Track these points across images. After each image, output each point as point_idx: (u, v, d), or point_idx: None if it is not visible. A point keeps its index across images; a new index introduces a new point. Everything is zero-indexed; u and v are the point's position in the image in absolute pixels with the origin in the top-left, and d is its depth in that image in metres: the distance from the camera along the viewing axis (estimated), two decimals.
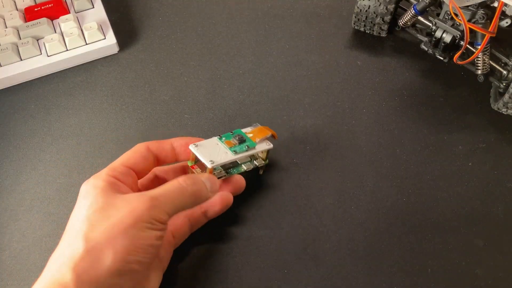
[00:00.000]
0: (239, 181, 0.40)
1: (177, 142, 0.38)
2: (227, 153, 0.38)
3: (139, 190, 0.36)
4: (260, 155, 0.42)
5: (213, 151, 0.37)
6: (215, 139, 0.39)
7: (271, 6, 0.59)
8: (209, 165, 0.36)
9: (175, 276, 0.40)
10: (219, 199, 0.38)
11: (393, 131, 0.48)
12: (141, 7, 0.59)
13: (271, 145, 0.41)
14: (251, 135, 0.41)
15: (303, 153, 0.47)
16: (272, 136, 0.42)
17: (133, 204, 0.30)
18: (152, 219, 0.30)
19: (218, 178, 0.38)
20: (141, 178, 0.37)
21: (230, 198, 0.39)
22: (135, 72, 0.54)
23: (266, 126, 0.43)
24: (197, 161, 0.39)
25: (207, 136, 0.47)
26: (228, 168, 0.40)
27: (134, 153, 0.36)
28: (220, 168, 0.39)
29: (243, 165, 0.41)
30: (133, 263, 0.29)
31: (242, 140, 0.39)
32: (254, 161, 0.42)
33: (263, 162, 0.42)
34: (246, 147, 0.39)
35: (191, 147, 0.37)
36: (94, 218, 0.30)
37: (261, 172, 0.43)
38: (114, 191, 0.32)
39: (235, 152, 0.38)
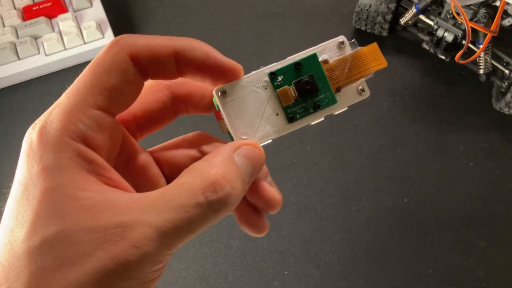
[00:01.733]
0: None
1: (185, 55, 0.21)
2: (275, 119, 0.22)
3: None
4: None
5: (251, 110, 0.21)
6: (262, 74, 0.23)
7: (271, 5, 0.58)
8: (238, 141, 0.21)
9: (174, 276, 0.40)
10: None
11: (394, 131, 0.48)
12: (140, 6, 0.59)
13: (366, 93, 0.24)
14: (336, 73, 0.22)
15: (303, 153, 0.46)
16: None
17: (101, 235, 0.16)
18: (127, 272, 0.16)
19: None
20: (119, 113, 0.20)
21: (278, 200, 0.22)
22: None
23: (371, 47, 0.23)
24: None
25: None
26: None
27: (107, 73, 0.18)
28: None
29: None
30: None
31: (311, 89, 0.21)
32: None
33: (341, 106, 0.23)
34: (316, 106, 0.22)
35: (216, 94, 0.21)
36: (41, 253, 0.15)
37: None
38: (77, 180, 0.17)
39: (292, 120, 0.22)
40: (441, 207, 0.43)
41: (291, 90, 0.21)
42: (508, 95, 0.45)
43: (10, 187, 0.49)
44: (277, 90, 0.21)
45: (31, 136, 0.18)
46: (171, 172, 0.22)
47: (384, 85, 0.51)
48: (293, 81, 0.21)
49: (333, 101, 0.22)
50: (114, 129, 0.19)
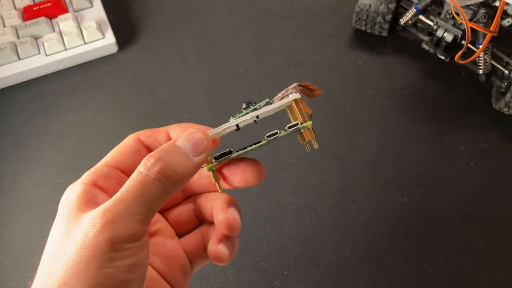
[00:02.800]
0: (253, 166, 0.27)
1: (173, 131, 0.28)
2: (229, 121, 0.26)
3: None
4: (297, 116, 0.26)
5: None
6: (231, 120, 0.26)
7: (271, 5, 0.58)
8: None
9: None
10: (223, 224, 0.27)
11: (394, 131, 0.48)
12: (141, 6, 0.59)
13: (297, 94, 0.26)
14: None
15: (303, 153, 0.46)
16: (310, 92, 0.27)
17: (84, 229, 0.21)
18: (114, 244, 0.20)
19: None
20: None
21: (233, 221, 0.27)
22: (134, 72, 0.53)
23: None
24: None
25: None
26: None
27: (121, 148, 0.27)
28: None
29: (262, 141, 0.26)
30: None
31: (250, 103, 0.27)
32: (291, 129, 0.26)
33: (304, 122, 0.26)
34: (255, 105, 0.27)
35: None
36: (51, 258, 0.22)
37: (310, 141, 0.27)
38: (83, 206, 0.23)
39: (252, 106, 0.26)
40: (441, 207, 0.43)
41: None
42: (508, 95, 0.45)
43: (8, 187, 0.48)
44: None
45: (68, 192, 0.24)
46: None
47: (384, 85, 0.51)
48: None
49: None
50: (120, 176, 0.26)
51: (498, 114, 0.49)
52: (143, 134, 0.28)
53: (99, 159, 0.48)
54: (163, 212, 0.29)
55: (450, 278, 0.40)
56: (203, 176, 0.29)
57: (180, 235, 0.29)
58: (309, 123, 0.25)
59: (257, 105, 0.26)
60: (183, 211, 0.29)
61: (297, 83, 0.27)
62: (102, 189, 0.25)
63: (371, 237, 0.42)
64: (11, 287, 0.41)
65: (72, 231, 0.22)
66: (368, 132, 0.48)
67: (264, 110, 0.26)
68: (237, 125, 0.25)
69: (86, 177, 0.25)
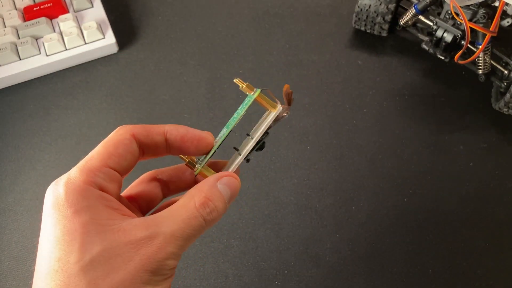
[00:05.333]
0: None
1: (171, 133, 0.27)
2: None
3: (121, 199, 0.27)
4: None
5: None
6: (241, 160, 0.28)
7: (271, 5, 0.58)
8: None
9: (175, 276, 0.40)
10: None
11: (394, 131, 0.48)
12: (141, 6, 0.59)
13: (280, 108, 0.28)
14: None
15: (303, 153, 0.47)
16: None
17: (135, 246, 0.21)
18: (149, 272, 0.21)
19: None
20: (124, 177, 0.27)
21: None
22: (134, 72, 0.53)
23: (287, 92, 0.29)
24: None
25: None
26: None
27: (115, 146, 0.26)
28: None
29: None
30: None
31: (262, 146, 0.29)
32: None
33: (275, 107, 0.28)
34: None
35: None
36: (69, 268, 0.21)
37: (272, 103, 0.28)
38: (104, 213, 0.23)
39: (247, 161, 0.28)
40: (441, 207, 0.43)
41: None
42: (507, 95, 0.45)
43: (9, 187, 0.48)
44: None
45: (57, 189, 0.24)
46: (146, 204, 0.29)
47: (384, 85, 0.51)
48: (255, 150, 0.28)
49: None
50: (120, 181, 0.26)
51: (498, 114, 0.49)
52: (138, 133, 0.27)
53: None
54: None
55: (450, 278, 0.40)
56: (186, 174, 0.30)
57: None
58: (257, 92, 0.27)
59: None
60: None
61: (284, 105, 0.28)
62: (110, 193, 0.25)
63: (371, 237, 0.42)
64: (11, 287, 0.41)
65: (105, 236, 0.22)
66: (367, 132, 0.48)
67: (258, 131, 0.28)
68: (246, 159, 0.28)
69: (87, 177, 0.24)
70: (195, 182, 0.28)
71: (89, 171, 0.24)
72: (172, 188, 0.30)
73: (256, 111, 0.29)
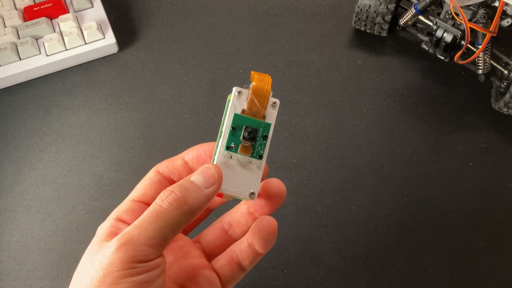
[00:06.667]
0: (277, 186, 0.30)
1: (188, 156, 0.30)
2: (253, 165, 0.28)
3: None
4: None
5: (236, 175, 0.28)
6: (223, 153, 0.28)
7: (271, 5, 0.59)
8: (251, 199, 0.28)
9: None
10: (259, 228, 0.29)
11: (394, 131, 0.48)
12: (141, 6, 0.59)
13: (278, 102, 0.29)
14: (253, 108, 0.28)
15: (303, 153, 0.47)
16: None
17: (102, 253, 0.24)
18: (126, 262, 0.23)
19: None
20: None
21: (271, 225, 0.29)
22: (134, 72, 0.53)
23: (258, 79, 0.29)
24: None
25: (207, 136, 0.47)
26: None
27: (143, 182, 0.30)
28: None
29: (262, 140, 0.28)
30: None
31: (253, 132, 0.28)
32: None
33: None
34: (264, 137, 0.28)
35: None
36: (75, 283, 0.25)
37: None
38: (107, 237, 0.26)
39: (260, 157, 0.28)
40: (441, 207, 0.43)
41: (244, 144, 0.28)
42: (507, 95, 0.45)
43: (9, 187, 0.48)
44: (238, 151, 0.28)
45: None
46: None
47: (384, 85, 0.51)
48: (241, 138, 0.28)
49: (268, 126, 0.28)
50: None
51: (498, 114, 0.49)
52: (161, 166, 0.30)
53: (99, 159, 0.48)
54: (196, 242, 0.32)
55: (450, 277, 0.40)
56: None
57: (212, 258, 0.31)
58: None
59: (260, 137, 0.28)
60: (212, 230, 0.32)
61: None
62: (126, 222, 0.28)
63: (371, 236, 0.42)
64: (12, 287, 0.41)
65: (94, 257, 0.25)
66: (367, 132, 0.48)
67: (268, 146, 0.29)
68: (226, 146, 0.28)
69: (113, 213, 0.28)
70: (189, 170, 0.31)
71: (119, 207, 0.29)
72: (174, 179, 0.31)
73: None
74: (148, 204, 0.28)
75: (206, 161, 0.30)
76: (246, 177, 0.28)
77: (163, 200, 0.25)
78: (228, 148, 0.27)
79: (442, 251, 0.41)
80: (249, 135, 0.27)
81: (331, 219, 0.43)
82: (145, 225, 0.24)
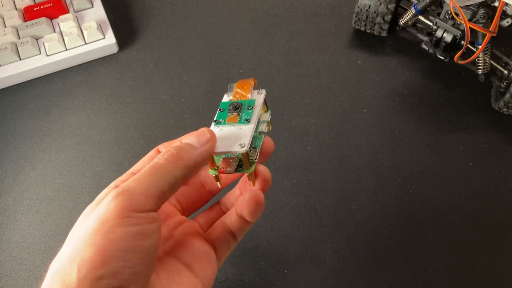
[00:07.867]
0: (264, 172, 0.31)
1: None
2: (242, 127, 0.30)
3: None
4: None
5: (227, 137, 0.30)
6: (213, 127, 0.31)
7: (271, 5, 0.59)
8: (242, 150, 0.28)
9: None
10: (247, 199, 0.29)
11: (394, 131, 0.48)
12: (141, 7, 0.59)
13: (264, 91, 0.32)
14: (237, 96, 0.32)
15: (303, 153, 0.47)
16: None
17: (100, 204, 0.24)
18: (122, 210, 0.23)
19: (255, 159, 0.30)
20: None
21: (257, 195, 0.30)
22: (134, 72, 0.53)
23: (240, 80, 0.34)
24: (219, 159, 0.31)
25: None
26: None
27: (143, 159, 0.31)
28: (251, 146, 0.30)
29: (258, 128, 0.31)
30: (108, 278, 0.22)
31: (237, 106, 0.31)
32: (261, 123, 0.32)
33: (267, 114, 0.33)
34: (249, 107, 0.31)
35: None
36: (71, 234, 0.25)
37: (269, 128, 0.33)
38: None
39: (247, 121, 0.30)
40: (441, 207, 0.43)
41: (231, 115, 0.31)
42: (507, 95, 0.45)
43: (9, 187, 0.48)
44: (226, 122, 0.31)
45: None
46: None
47: (383, 85, 0.51)
48: (228, 113, 0.31)
49: (252, 101, 0.31)
50: None
51: (497, 114, 0.49)
52: (161, 146, 0.31)
53: (99, 159, 0.48)
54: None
55: (450, 277, 0.40)
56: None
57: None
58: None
59: (245, 107, 0.31)
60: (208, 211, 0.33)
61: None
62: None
63: (371, 236, 0.42)
64: (12, 287, 0.41)
65: (89, 214, 0.25)
66: (367, 132, 0.48)
67: (256, 116, 0.30)
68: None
69: (112, 183, 0.29)
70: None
71: (118, 179, 0.29)
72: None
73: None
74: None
75: None
76: (236, 136, 0.29)
77: (160, 157, 0.26)
78: (216, 122, 0.30)
79: (442, 251, 0.41)
80: (234, 108, 0.30)
81: (331, 219, 0.43)
82: (143, 178, 0.25)
